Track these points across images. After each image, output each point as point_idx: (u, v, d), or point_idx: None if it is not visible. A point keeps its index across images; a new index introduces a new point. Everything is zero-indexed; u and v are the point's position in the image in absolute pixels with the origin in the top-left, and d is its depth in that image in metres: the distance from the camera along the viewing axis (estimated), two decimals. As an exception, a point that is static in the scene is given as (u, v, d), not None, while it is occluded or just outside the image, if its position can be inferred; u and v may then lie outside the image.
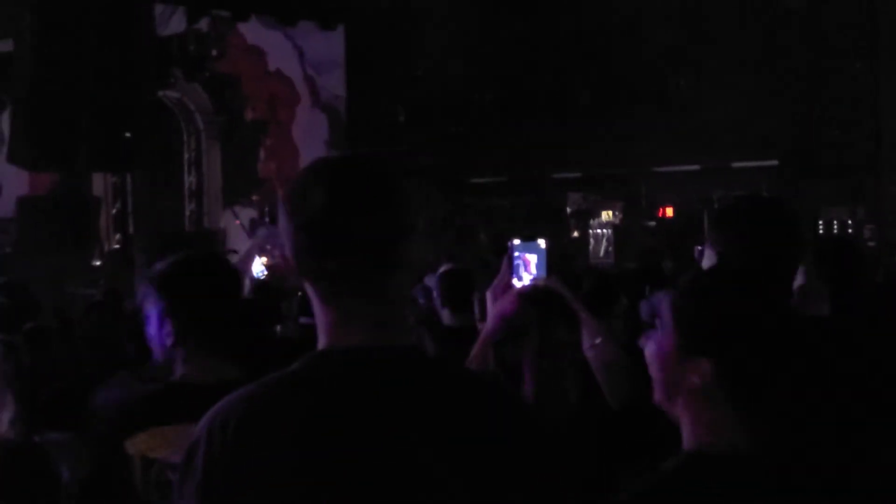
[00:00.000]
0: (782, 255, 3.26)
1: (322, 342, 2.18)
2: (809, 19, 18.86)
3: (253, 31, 20.39)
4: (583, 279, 6.46)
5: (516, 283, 3.59)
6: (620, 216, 20.17)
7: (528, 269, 3.61)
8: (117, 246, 18.41)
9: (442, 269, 7.68)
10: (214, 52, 17.81)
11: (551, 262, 3.66)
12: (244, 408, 2.12)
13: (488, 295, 3.63)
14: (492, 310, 3.58)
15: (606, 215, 20.25)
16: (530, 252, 3.63)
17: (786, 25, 18.81)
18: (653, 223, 19.95)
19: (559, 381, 3.62)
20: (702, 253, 3.37)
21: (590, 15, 19.92)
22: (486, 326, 3.56)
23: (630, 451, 3.33)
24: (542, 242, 3.64)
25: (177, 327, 3.16)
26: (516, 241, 3.62)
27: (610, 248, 19.46)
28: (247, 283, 9.76)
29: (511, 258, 3.62)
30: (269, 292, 7.80)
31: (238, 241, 18.01)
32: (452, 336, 6.22)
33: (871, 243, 17.16)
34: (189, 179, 20.00)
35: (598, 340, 3.61)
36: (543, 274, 3.59)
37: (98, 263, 17.25)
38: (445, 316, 6.56)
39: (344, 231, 2.13)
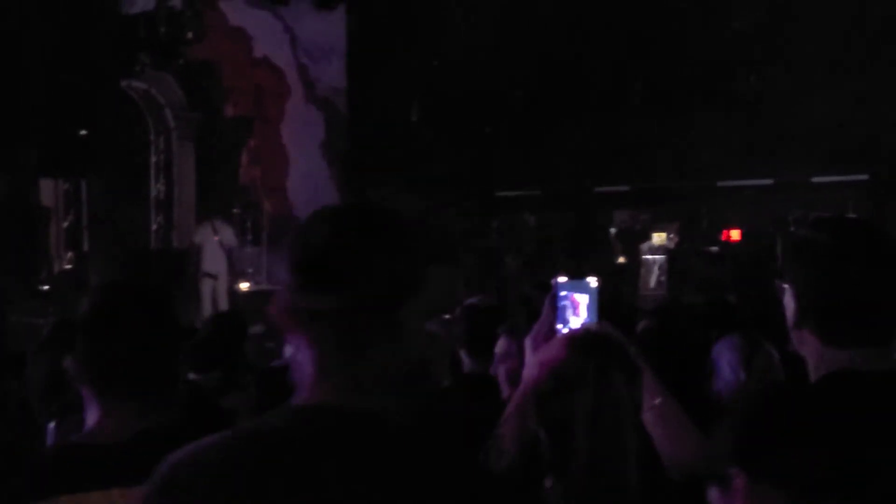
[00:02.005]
0: (879, 293, 3.26)
1: (297, 396, 2.45)
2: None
3: (236, 9, 20.52)
4: (635, 320, 6.49)
5: (561, 329, 3.60)
6: (676, 239, 20.20)
7: (575, 312, 3.62)
8: (69, 266, 18.46)
9: (466, 302, 7.73)
10: (189, 35, 17.85)
11: (602, 304, 3.67)
12: (201, 463, 2.37)
13: (528, 343, 3.65)
14: (532, 359, 3.60)
15: (659, 238, 20.29)
16: (578, 292, 3.64)
17: (884, 20, 18.85)
18: (715, 248, 19.98)
19: (619, 443, 3.63)
20: (783, 289, 3.38)
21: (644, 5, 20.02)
22: (527, 377, 3.58)
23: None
24: (592, 281, 3.64)
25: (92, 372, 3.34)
26: (562, 280, 3.63)
27: (663, 278, 19.50)
28: None
29: (555, 299, 3.64)
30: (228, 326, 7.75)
31: (215, 261, 18.05)
32: (470, 386, 6.26)
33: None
34: (156, 188, 20.04)
35: (657, 401, 3.63)
36: (594, 319, 3.61)
37: (46, 288, 17.31)
38: (464, 360, 6.61)
39: (339, 270, 2.38)
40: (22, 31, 15.24)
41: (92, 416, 3.35)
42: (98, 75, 16.55)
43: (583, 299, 3.58)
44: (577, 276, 3.69)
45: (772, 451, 2.60)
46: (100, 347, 3.34)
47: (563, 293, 3.60)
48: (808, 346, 3.23)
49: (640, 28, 20.06)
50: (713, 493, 2.70)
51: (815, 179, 20.25)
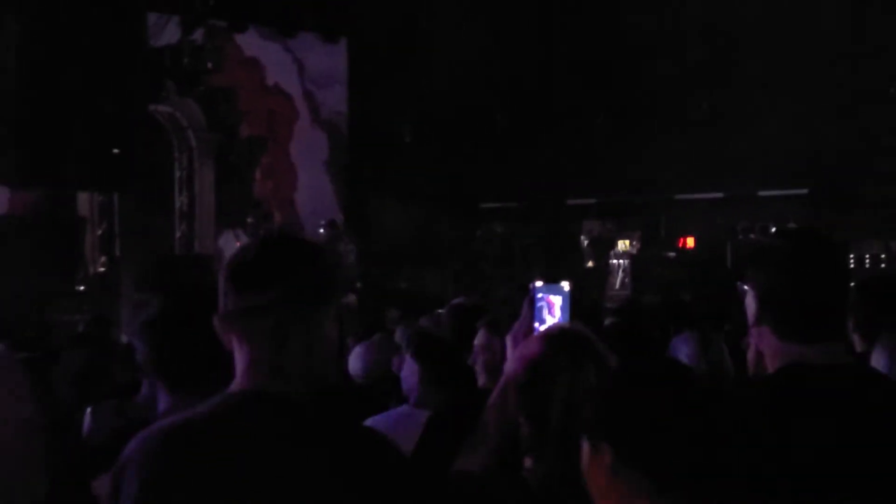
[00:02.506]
0: (829, 294, 3.27)
1: (234, 383, 2.75)
2: (848, 39, 18.86)
3: (250, 42, 20.47)
4: (602, 318, 6.47)
5: (538, 328, 3.61)
6: (638, 246, 20.16)
7: (551, 312, 3.64)
8: (102, 269, 18.43)
9: (452, 302, 7.72)
10: (209, 65, 17.82)
11: (574, 304, 3.68)
12: (165, 437, 2.69)
13: (509, 340, 3.67)
14: (512, 353, 3.60)
15: (623, 245, 20.25)
16: (553, 295, 3.66)
17: (822, 45, 18.80)
18: (672, 254, 19.96)
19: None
20: (744, 291, 3.37)
21: (609, 32, 19.93)
22: (508, 370, 3.58)
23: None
24: (565, 285, 3.67)
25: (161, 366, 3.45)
26: (538, 284, 3.66)
27: (626, 281, 19.45)
28: None
29: (533, 301, 3.65)
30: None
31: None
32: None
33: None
34: (180, 199, 20.02)
35: None
36: (567, 318, 3.62)
37: (82, 288, 17.28)
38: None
39: (266, 274, 2.72)
40: (63, 62, 15.19)
41: (162, 404, 3.46)
42: (129, 101, 16.50)
43: (557, 301, 3.62)
44: (551, 280, 3.70)
45: (644, 436, 2.57)
46: (169, 346, 3.43)
47: (539, 296, 3.63)
48: (766, 341, 3.25)
49: (606, 58, 20.04)
50: (585, 448, 2.68)
51: (761, 193, 20.20)
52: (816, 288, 3.22)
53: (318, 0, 19.75)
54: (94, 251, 18.68)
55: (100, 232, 18.70)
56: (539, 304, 3.63)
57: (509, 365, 3.58)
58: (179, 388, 3.38)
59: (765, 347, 3.29)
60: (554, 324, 3.58)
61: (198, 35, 18.03)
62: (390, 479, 2.79)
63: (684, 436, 2.58)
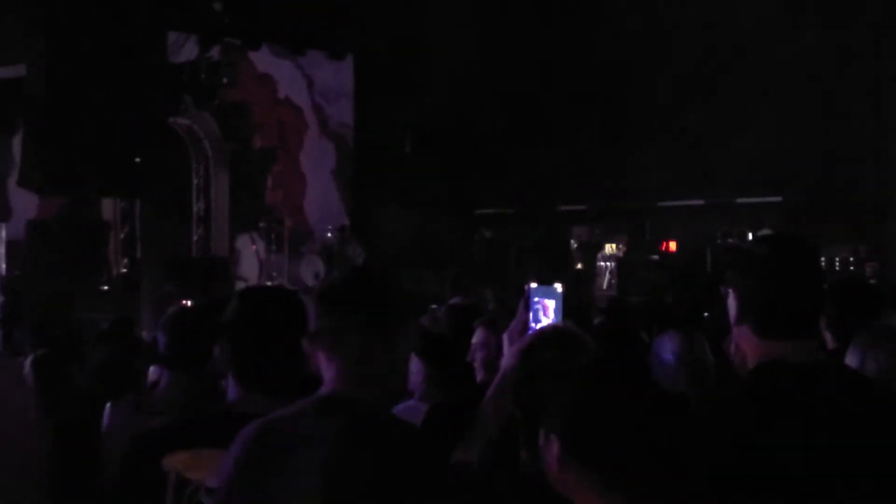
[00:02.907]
0: (804, 295, 3.27)
1: (323, 388, 3.05)
2: (822, 56, 18.88)
3: (263, 59, 20.48)
4: (591, 317, 6.44)
5: (533, 327, 3.60)
6: (624, 249, 20.16)
7: (545, 313, 3.63)
8: (125, 270, 18.42)
9: (450, 301, 7.70)
10: (225, 80, 17.81)
11: (567, 306, 3.67)
12: (262, 429, 2.96)
13: (505, 338, 3.67)
14: (509, 351, 3.59)
15: (610, 248, 20.25)
16: (548, 297, 3.64)
17: (798, 61, 18.81)
18: (656, 257, 19.94)
19: None
20: (727, 293, 3.37)
21: (600, 47, 19.95)
22: (505, 366, 3.57)
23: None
24: (559, 287, 3.66)
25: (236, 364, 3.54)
26: (534, 286, 3.65)
27: (613, 282, 19.45)
28: None
29: (528, 302, 3.64)
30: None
31: (250, 266, 18.04)
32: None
33: (872, 281, 17.16)
34: (197, 205, 20.00)
35: None
36: (560, 318, 3.61)
37: (106, 288, 17.26)
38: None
39: (357, 298, 3.04)
40: (88, 78, 15.18)
41: (232, 394, 3.55)
42: (149, 113, 16.49)
43: (551, 303, 3.59)
44: (545, 281, 3.68)
45: (588, 432, 2.59)
46: (243, 345, 3.49)
47: (535, 297, 3.61)
48: (746, 340, 3.25)
49: (596, 73, 20.06)
50: (541, 435, 2.71)
51: (739, 200, 20.21)
52: (793, 290, 3.22)
53: (325, 20, 19.69)
54: (117, 254, 18.67)
55: (122, 236, 18.70)
56: (534, 305, 3.62)
57: (506, 361, 3.58)
58: (246, 381, 3.47)
59: (745, 346, 3.30)
60: (548, 323, 3.57)
61: (214, 52, 18.00)
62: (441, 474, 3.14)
63: (633, 437, 2.58)
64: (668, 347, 5.61)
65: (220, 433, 3.04)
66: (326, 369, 3.04)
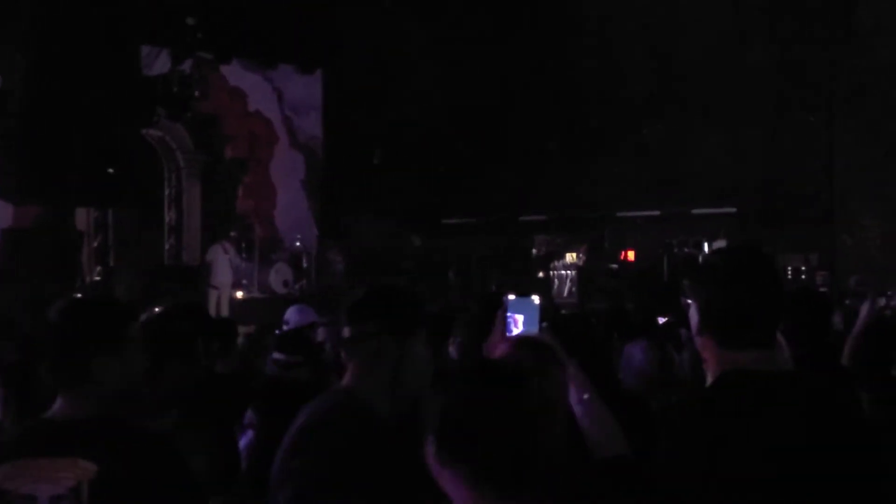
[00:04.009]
0: (762, 305, 3.25)
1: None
2: (773, 73, 19.01)
3: (234, 73, 20.40)
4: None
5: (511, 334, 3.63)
6: (584, 258, 20.17)
7: (515, 325, 3.65)
8: (98, 278, 18.25)
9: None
10: (197, 93, 17.73)
11: (543, 316, 3.69)
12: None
13: (486, 348, 3.68)
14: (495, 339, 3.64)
15: (571, 257, 20.25)
16: (525, 307, 3.67)
17: (749, 80, 18.95)
18: (615, 266, 19.99)
19: (555, 424, 3.58)
20: (687, 305, 3.33)
21: (563, 64, 20.02)
22: None
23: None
24: (535, 299, 3.71)
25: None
26: (511, 297, 3.71)
27: (573, 289, 19.44)
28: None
29: (505, 311, 3.65)
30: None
31: (223, 274, 17.91)
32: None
33: (823, 289, 17.24)
34: (169, 215, 19.88)
35: (585, 396, 3.59)
36: (535, 328, 3.63)
37: (79, 296, 17.10)
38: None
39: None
40: (63, 90, 15.12)
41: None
42: (123, 124, 16.45)
43: (528, 312, 3.63)
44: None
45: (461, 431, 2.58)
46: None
47: (511, 308, 3.63)
48: (708, 350, 3.23)
49: (555, 90, 20.14)
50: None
51: (694, 211, 20.30)
52: (751, 300, 3.20)
53: (295, 35, 19.66)
54: (90, 261, 18.50)
55: (95, 244, 18.51)
56: (512, 315, 3.66)
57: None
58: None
59: (707, 355, 3.27)
60: (524, 332, 3.59)
61: (186, 66, 17.92)
62: None
63: (497, 434, 2.57)
64: (636, 356, 5.61)
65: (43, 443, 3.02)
66: (348, 371, 3.40)
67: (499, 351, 3.54)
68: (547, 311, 3.83)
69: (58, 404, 3.18)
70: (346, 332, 3.41)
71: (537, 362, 3.59)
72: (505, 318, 3.61)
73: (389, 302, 3.46)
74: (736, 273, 3.24)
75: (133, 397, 3.16)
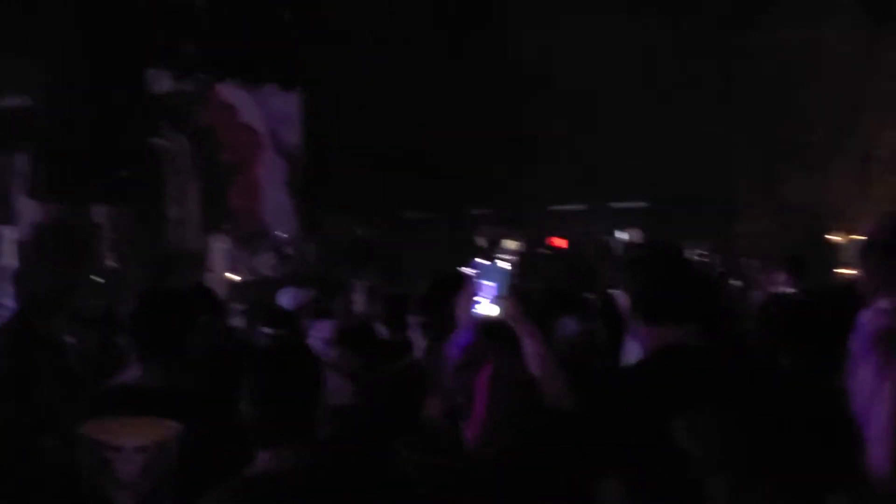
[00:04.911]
0: (682, 288, 3.37)
1: None
2: (674, 80, 19.14)
3: (227, 90, 20.35)
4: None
5: (479, 304, 3.54)
6: (524, 245, 20.33)
7: (485, 292, 3.56)
8: (115, 264, 18.20)
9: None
10: (195, 108, 17.77)
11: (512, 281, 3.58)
12: None
13: (458, 306, 3.65)
14: (462, 318, 3.62)
15: (511, 244, 20.39)
16: (496, 274, 3.57)
17: (657, 86, 19.08)
18: (549, 252, 20.15)
19: (512, 396, 3.65)
20: (619, 294, 3.47)
21: (500, 76, 20.15)
22: (449, 352, 3.62)
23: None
24: (505, 265, 3.59)
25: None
26: (480, 261, 3.58)
27: (514, 272, 19.53)
28: None
29: (474, 278, 3.58)
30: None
31: (217, 262, 17.98)
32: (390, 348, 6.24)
33: (721, 270, 17.44)
34: (172, 210, 19.82)
35: (540, 350, 3.56)
36: (504, 293, 3.54)
37: (100, 280, 17.10)
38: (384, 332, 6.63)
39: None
40: (82, 106, 15.18)
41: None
42: (133, 135, 16.51)
43: (499, 279, 3.52)
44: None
45: None
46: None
47: (483, 275, 3.53)
48: (640, 332, 3.35)
49: (495, 96, 20.23)
50: None
51: (613, 205, 20.50)
52: (670, 285, 3.33)
53: (277, 59, 19.69)
54: (107, 251, 18.44)
55: (114, 236, 18.45)
56: (481, 279, 3.55)
57: (449, 348, 3.63)
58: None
59: (640, 337, 3.39)
60: (487, 315, 3.55)
61: (187, 85, 17.95)
62: None
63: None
64: (570, 327, 5.77)
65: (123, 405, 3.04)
66: None
67: (462, 332, 3.59)
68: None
69: (136, 372, 3.25)
70: None
71: (498, 345, 3.65)
72: (469, 300, 3.59)
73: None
74: (657, 265, 3.39)
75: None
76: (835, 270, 16.39)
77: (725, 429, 2.24)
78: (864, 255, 3.25)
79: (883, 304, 3.06)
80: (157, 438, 2.93)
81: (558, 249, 20.16)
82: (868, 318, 3.08)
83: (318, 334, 6.78)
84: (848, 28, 18.50)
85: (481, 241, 21.13)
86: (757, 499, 2.25)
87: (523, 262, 19.42)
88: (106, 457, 3.01)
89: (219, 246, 18.34)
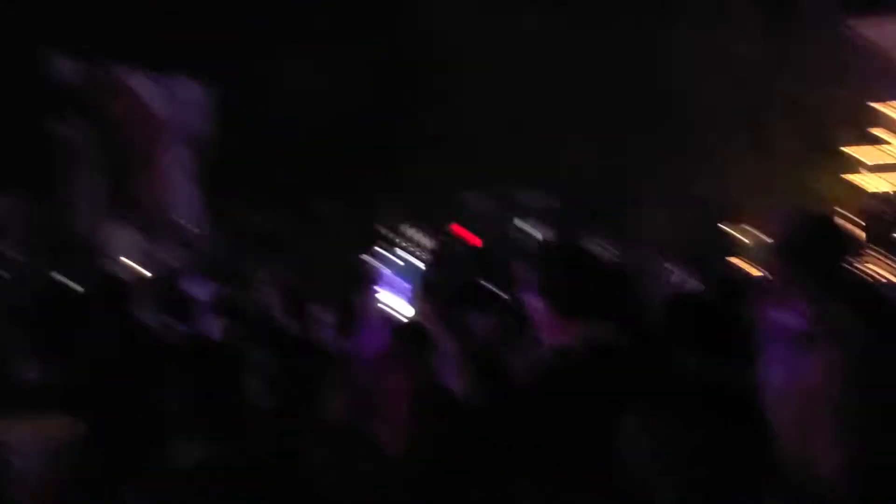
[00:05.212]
0: (586, 287, 3.41)
1: None
2: (585, 86, 19.31)
3: (132, 78, 20.04)
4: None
5: (390, 300, 3.53)
6: (428, 233, 20.34)
7: (402, 286, 3.57)
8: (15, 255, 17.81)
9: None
10: (102, 98, 17.48)
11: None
12: None
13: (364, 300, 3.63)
14: (367, 312, 3.59)
15: (414, 233, 20.42)
16: (407, 269, 3.58)
17: (570, 88, 19.19)
18: (457, 243, 20.21)
19: (432, 395, 3.64)
20: (532, 291, 3.48)
21: (413, 69, 20.10)
22: (367, 358, 3.58)
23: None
24: (416, 262, 3.58)
25: None
26: (401, 262, 3.57)
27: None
28: None
29: (382, 271, 3.58)
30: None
31: (119, 250, 17.77)
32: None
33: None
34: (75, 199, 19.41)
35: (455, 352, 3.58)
36: (420, 293, 3.54)
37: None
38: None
39: None
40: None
41: None
42: (33, 122, 16.24)
43: (410, 275, 3.52)
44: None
45: None
46: None
47: (391, 268, 3.51)
48: (555, 323, 3.35)
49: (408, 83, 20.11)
50: None
51: (518, 198, 20.66)
52: (584, 282, 3.36)
53: (186, 50, 19.43)
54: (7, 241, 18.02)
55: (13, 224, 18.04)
56: (393, 278, 3.55)
57: (362, 348, 3.60)
58: None
59: (555, 328, 3.40)
60: (400, 314, 3.57)
61: (91, 72, 17.64)
62: None
63: None
64: (481, 323, 5.79)
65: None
66: None
67: (374, 333, 3.58)
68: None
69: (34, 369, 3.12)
70: None
71: (414, 348, 3.65)
72: (375, 295, 3.59)
73: None
74: (571, 263, 3.42)
75: None
76: (731, 261, 16.76)
77: (673, 431, 2.25)
78: (775, 254, 3.31)
79: (795, 306, 3.13)
80: (57, 437, 2.85)
81: (465, 241, 20.24)
82: (781, 320, 3.15)
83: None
84: (751, 28, 18.88)
85: (384, 230, 21.11)
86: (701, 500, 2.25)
87: (434, 255, 19.46)
88: (4, 457, 2.92)
89: (121, 234, 18.04)
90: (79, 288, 3.18)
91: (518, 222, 19.82)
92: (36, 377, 3.04)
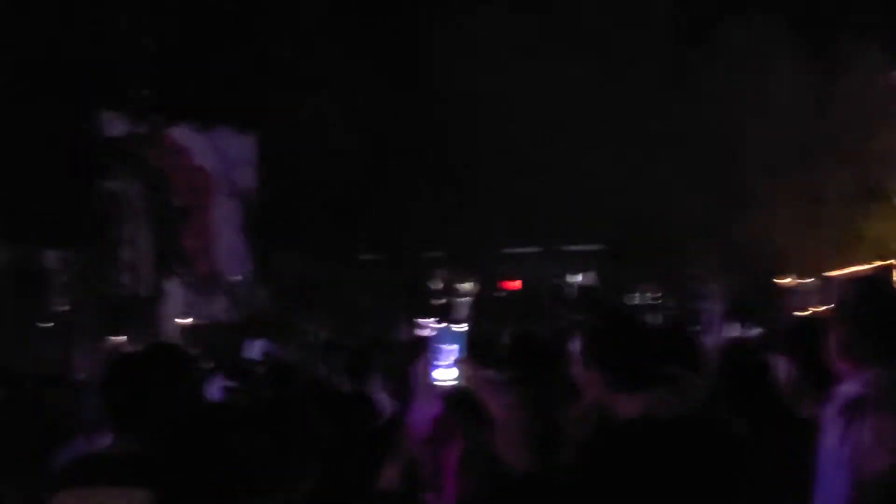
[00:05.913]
0: (634, 351, 3.28)
1: None
2: (623, 133, 19.16)
3: (181, 134, 20.18)
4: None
5: (437, 365, 3.36)
6: (478, 287, 20.29)
7: (457, 352, 3.39)
8: (66, 308, 17.93)
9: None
10: (149, 151, 17.59)
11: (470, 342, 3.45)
12: None
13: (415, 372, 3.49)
14: (417, 409, 3.48)
15: (467, 286, 20.37)
16: (455, 337, 3.41)
17: (607, 135, 19.03)
18: (504, 293, 20.13)
19: (482, 471, 3.51)
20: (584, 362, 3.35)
21: (453, 128, 20.04)
22: (419, 429, 3.46)
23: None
24: (461, 328, 3.44)
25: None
26: (437, 325, 3.46)
27: (469, 313, 19.55)
28: None
29: (427, 363, 3.43)
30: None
31: (175, 304, 17.79)
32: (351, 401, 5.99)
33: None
34: (125, 254, 19.53)
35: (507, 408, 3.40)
36: (463, 355, 3.38)
37: (51, 324, 16.82)
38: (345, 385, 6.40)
39: None
40: (35, 151, 14.96)
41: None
42: (85, 179, 16.32)
43: (459, 342, 3.36)
44: (422, 314, 3.52)
45: None
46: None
47: (442, 339, 3.37)
48: (600, 390, 3.21)
49: (450, 148, 20.07)
50: None
51: (565, 248, 20.52)
52: (634, 352, 3.23)
53: (231, 103, 19.59)
54: (58, 295, 18.15)
55: (64, 280, 18.17)
56: (437, 344, 3.39)
57: (415, 418, 3.48)
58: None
59: (599, 393, 3.26)
60: (447, 382, 3.38)
61: (139, 128, 17.78)
62: None
63: None
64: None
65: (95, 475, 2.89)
66: None
67: (426, 402, 3.42)
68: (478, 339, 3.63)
69: (107, 439, 3.06)
70: None
71: (466, 417, 3.50)
72: (428, 366, 3.39)
73: None
74: (623, 336, 3.27)
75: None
76: (787, 312, 16.45)
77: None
78: (835, 319, 3.18)
79: (860, 376, 3.00)
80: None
81: (512, 291, 20.18)
82: (844, 389, 3.02)
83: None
84: (793, 75, 18.68)
85: (436, 284, 21.08)
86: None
87: (478, 304, 19.38)
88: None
89: (172, 289, 18.10)
90: (139, 351, 3.12)
91: (564, 272, 19.71)
92: (112, 446, 2.96)
